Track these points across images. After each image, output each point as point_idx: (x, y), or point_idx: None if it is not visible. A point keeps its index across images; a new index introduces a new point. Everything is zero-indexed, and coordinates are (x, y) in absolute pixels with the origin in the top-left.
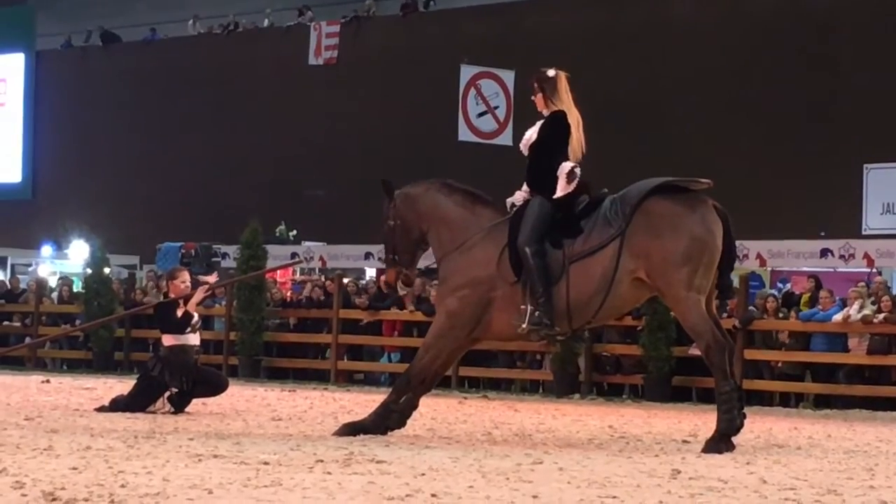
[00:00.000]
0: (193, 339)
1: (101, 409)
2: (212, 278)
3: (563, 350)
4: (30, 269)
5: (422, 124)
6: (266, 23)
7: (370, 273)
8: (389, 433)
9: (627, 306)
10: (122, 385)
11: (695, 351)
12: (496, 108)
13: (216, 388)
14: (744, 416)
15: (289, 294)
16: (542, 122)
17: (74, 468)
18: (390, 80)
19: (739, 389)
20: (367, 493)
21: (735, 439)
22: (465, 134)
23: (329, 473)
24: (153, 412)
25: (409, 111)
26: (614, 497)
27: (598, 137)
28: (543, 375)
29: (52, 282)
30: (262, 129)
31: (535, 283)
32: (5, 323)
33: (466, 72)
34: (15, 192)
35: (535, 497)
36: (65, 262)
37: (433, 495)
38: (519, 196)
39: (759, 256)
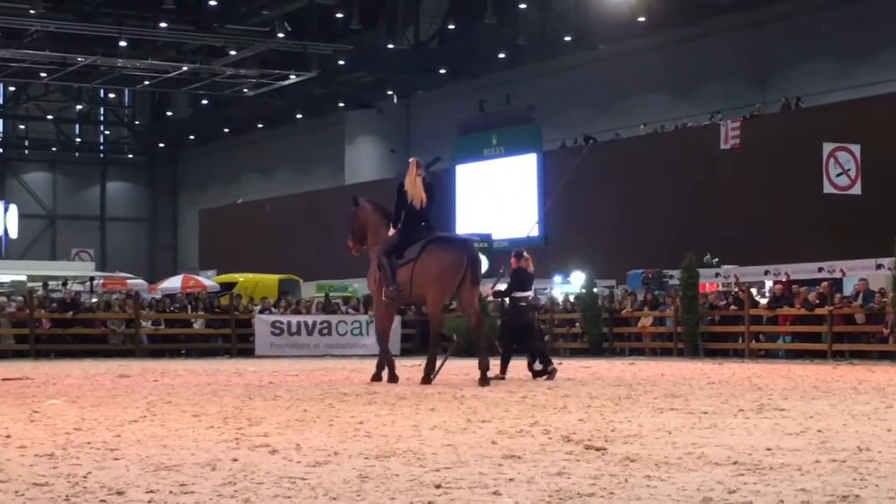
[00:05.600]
0: None
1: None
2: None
3: None
4: (545, 291)
5: (798, 184)
6: (688, 124)
7: (768, 284)
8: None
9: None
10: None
11: None
12: (848, 170)
13: None
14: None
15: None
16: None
17: (581, 419)
18: (776, 155)
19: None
20: (774, 430)
21: None
22: (827, 188)
23: (747, 418)
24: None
25: (788, 177)
26: None
27: None
28: (892, 347)
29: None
30: (700, 192)
31: (385, 273)
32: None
33: (827, 147)
34: (535, 241)
35: (888, 430)
36: (567, 285)
37: (819, 431)
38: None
39: None
